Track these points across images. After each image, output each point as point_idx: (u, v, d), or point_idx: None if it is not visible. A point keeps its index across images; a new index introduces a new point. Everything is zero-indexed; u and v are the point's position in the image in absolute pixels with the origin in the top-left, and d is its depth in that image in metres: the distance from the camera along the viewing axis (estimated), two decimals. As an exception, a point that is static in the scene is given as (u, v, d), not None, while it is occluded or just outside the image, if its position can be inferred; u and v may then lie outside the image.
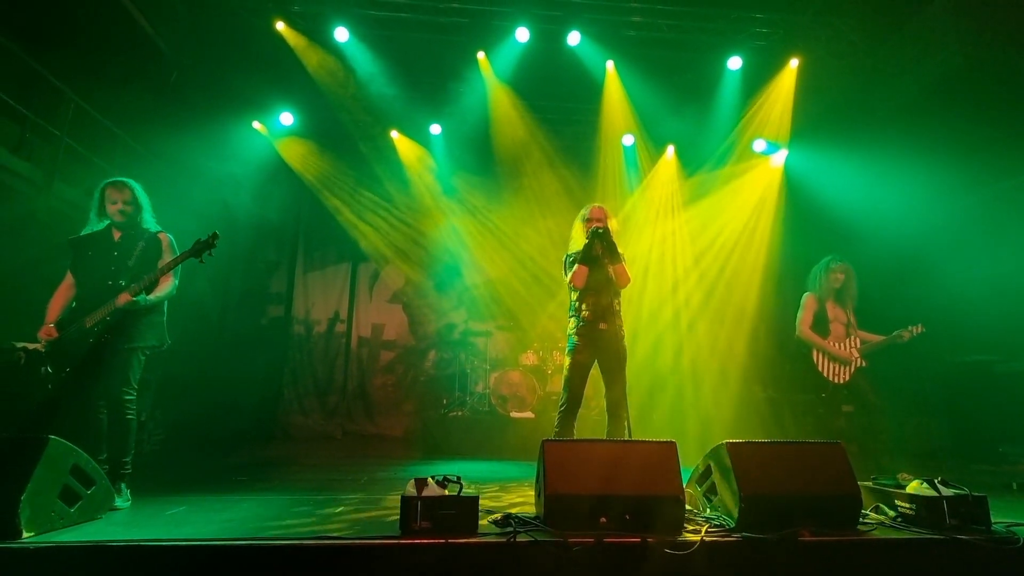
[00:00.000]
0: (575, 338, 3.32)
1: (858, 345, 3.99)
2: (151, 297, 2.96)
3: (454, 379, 6.61)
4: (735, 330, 6.70)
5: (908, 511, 2.44)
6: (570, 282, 3.36)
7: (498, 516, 2.36)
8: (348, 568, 1.98)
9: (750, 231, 6.99)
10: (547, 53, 6.09)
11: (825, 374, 3.96)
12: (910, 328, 3.91)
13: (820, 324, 4.04)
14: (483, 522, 2.27)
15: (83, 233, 3.07)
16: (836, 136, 6.24)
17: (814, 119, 6.49)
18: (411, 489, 2.18)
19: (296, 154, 7.29)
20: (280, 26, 5.82)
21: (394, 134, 7.15)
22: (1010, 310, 4.95)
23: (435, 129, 7.14)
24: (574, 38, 5.92)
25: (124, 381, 2.91)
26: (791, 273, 6.45)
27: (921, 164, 5.34)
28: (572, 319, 3.40)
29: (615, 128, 6.96)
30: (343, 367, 7.49)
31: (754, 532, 2.18)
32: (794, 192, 6.81)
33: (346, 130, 7.02)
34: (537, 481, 2.47)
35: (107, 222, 3.06)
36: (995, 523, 2.37)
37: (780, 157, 6.87)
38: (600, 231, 3.26)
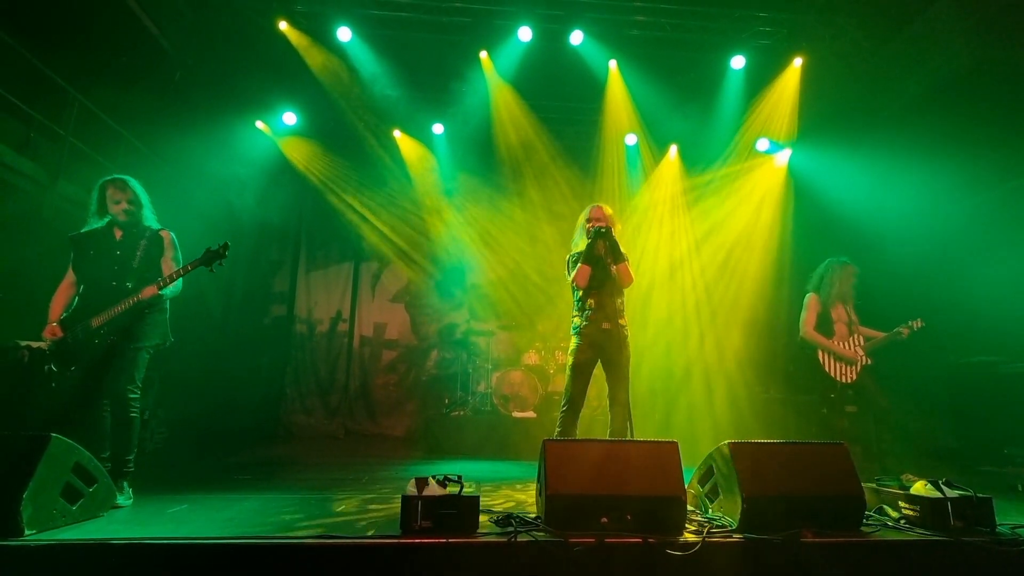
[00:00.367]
0: (578, 338, 3.31)
1: (861, 343, 3.98)
2: (167, 291, 2.99)
3: (456, 379, 6.61)
4: (738, 330, 6.68)
5: (912, 512, 2.42)
6: (573, 282, 3.35)
7: (499, 516, 2.35)
8: (349, 567, 1.98)
9: (754, 230, 6.97)
10: (550, 53, 6.09)
11: (832, 374, 3.95)
12: (910, 323, 3.88)
13: (824, 324, 4.02)
14: (484, 521, 2.26)
15: (84, 230, 3.07)
16: (841, 135, 6.21)
17: (818, 118, 6.46)
18: (412, 488, 2.18)
19: (299, 153, 7.31)
20: (283, 26, 5.83)
21: (397, 133, 7.16)
22: (1016, 311, 4.91)
23: (438, 129, 7.15)
24: (577, 37, 5.91)
25: (129, 379, 2.92)
26: (795, 272, 6.44)
27: (925, 164, 5.31)
28: (575, 319, 3.39)
29: (618, 128, 6.95)
30: (345, 366, 7.50)
31: (756, 533, 2.16)
32: (798, 192, 6.78)
33: (349, 129, 7.02)
34: (538, 481, 2.47)
35: (108, 219, 3.07)
36: (1000, 525, 2.35)
37: (784, 156, 6.84)
38: (602, 231, 3.25)
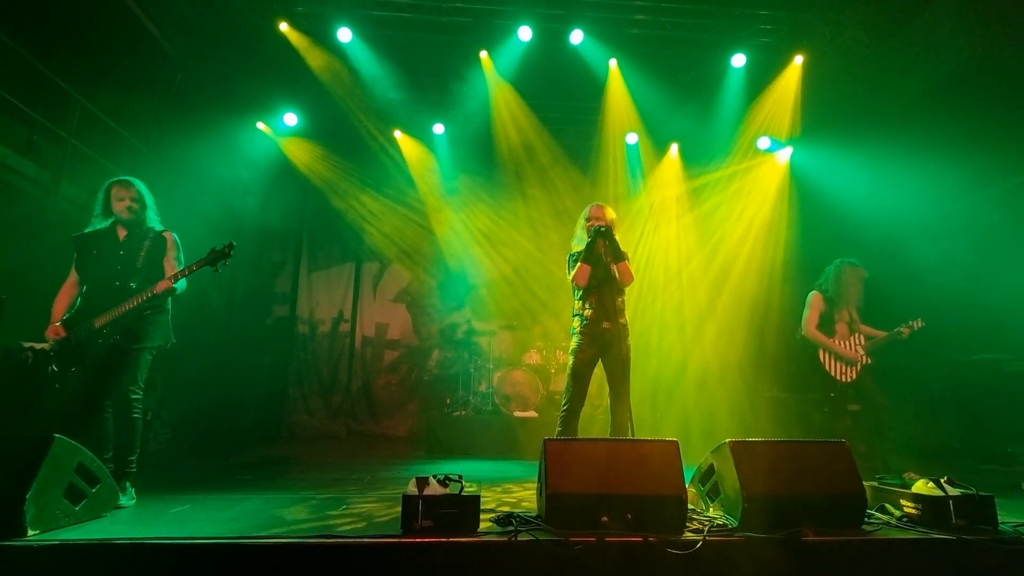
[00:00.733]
0: (579, 337, 3.31)
1: (862, 343, 3.97)
2: (176, 286, 3.01)
3: (457, 378, 6.62)
4: (739, 328, 6.67)
5: (914, 511, 2.41)
6: (573, 281, 3.35)
7: (499, 515, 2.36)
8: (350, 567, 1.99)
9: (756, 228, 6.95)
10: (550, 52, 6.08)
11: (832, 373, 3.94)
12: (910, 323, 3.87)
13: (826, 324, 4.01)
14: (484, 521, 2.26)
15: (87, 231, 3.08)
16: (842, 133, 6.19)
17: (819, 116, 6.44)
18: (413, 488, 2.18)
19: (300, 154, 7.32)
20: (284, 27, 5.84)
21: (397, 134, 7.16)
22: (1019, 308, 4.90)
23: (438, 129, 7.15)
24: (577, 37, 5.91)
25: (131, 380, 2.93)
26: (797, 271, 6.42)
27: (927, 162, 5.29)
28: (576, 318, 3.39)
29: (618, 127, 6.94)
30: (347, 367, 7.51)
31: (757, 532, 2.16)
32: (800, 189, 6.77)
33: (350, 130, 7.03)
34: (539, 480, 2.47)
35: (112, 220, 3.08)
36: (1002, 523, 2.35)
37: (785, 155, 6.83)
38: (602, 230, 3.25)
